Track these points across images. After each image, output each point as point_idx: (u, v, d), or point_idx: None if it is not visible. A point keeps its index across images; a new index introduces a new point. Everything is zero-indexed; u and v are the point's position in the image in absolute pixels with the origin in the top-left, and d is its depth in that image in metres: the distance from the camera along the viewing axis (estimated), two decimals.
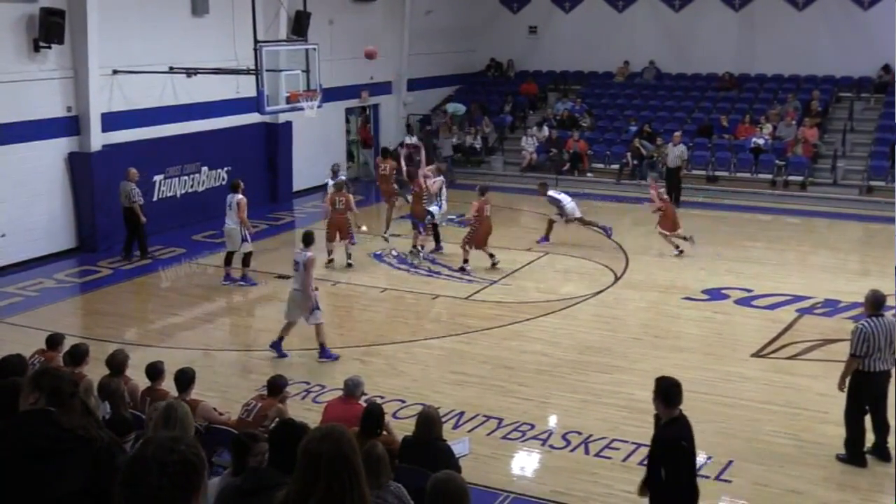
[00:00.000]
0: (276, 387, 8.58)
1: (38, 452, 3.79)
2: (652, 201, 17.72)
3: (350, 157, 26.10)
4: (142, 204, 16.84)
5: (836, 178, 22.63)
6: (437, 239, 17.46)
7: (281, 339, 12.11)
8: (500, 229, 19.84)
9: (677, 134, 22.35)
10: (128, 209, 16.72)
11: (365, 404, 8.09)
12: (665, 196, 18.00)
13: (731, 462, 9.16)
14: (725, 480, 8.88)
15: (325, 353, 12.03)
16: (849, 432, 9.15)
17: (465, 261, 16.13)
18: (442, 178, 17.77)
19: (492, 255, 16.20)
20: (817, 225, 20.45)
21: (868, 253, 17.92)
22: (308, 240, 12.36)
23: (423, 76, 27.47)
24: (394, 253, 17.19)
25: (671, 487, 6.69)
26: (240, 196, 15.23)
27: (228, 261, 15.49)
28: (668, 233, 17.29)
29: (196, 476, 2.84)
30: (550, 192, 18.31)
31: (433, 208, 17.22)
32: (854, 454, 9.11)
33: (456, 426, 9.88)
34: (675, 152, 21.83)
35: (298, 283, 11.93)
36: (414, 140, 25.61)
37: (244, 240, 15.22)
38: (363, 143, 26.01)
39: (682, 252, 17.06)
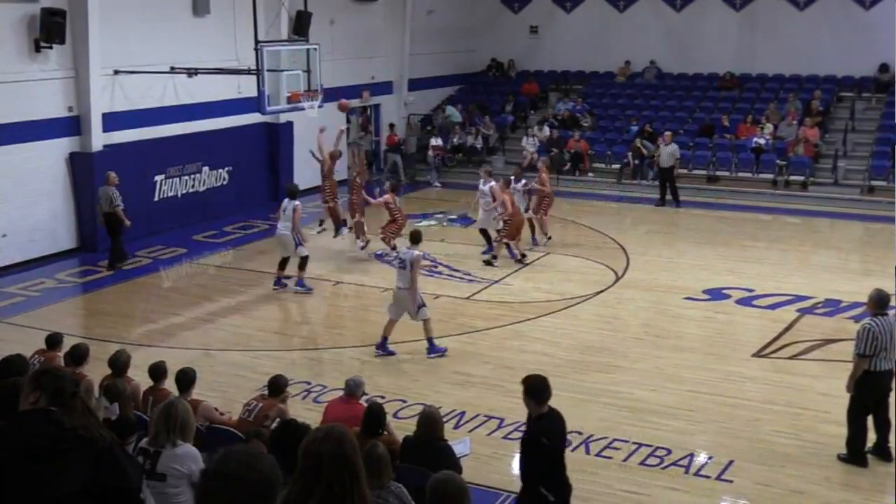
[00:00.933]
0: (277, 387, 8.58)
1: (39, 452, 3.78)
2: (541, 186, 17.63)
3: (380, 164, 26.03)
4: (124, 208, 16.24)
5: (837, 177, 22.62)
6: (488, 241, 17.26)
7: (385, 338, 12.19)
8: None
9: (668, 133, 22.37)
10: (109, 214, 16.19)
11: (366, 404, 8.08)
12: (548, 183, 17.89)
13: (731, 462, 9.16)
14: (727, 480, 8.87)
15: (433, 349, 12.12)
16: (850, 431, 9.13)
17: (495, 256, 16.47)
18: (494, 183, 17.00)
19: (523, 255, 16.58)
20: (818, 225, 20.44)
21: (869, 253, 17.90)
22: (416, 238, 12.47)
23: (425, 76, 27.48)
24: (394, 253, 17.16)
25: (534, 481, 6.78)
26: (297, 202, 14.95)
27: (283, 265, 15.20)
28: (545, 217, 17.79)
29: (273, 493, 2.85)
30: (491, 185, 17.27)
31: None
32: (855, 454, 9.09)
33: (457, 426, 9.88)
34: (668, 151, 21.84)
35: (404, 281, 11.95)
36: (440, 142, 25.54)
37: (298, 244, 14.96)
38: (391, 146, 25.82)
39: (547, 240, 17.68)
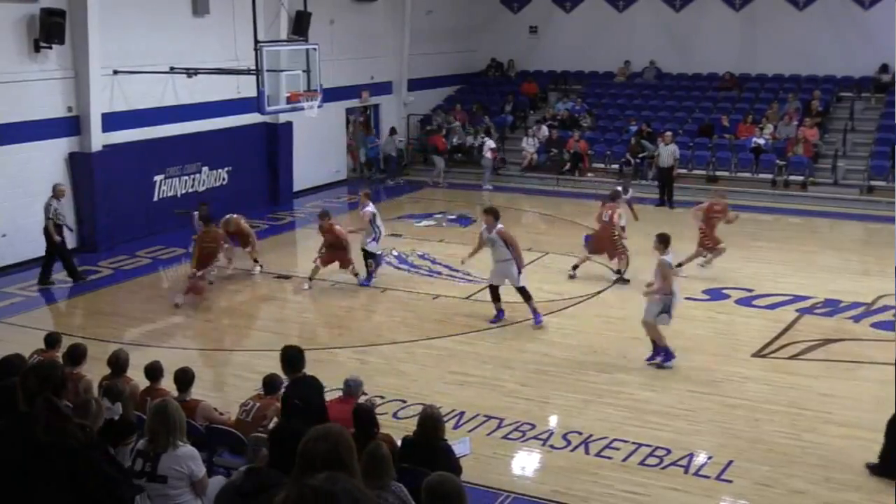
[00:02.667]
0: (273, 385, 8.57)
1: (17, 467, 3.65)
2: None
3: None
4: (59, 224, 15.33)
5: (836, 177, 22.63)
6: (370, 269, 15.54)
7: (664, 347, 11.81)
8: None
9: (668, 133, 22.35)
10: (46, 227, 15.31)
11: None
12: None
13: (731, 462, 9.14)
14: (726, 480, 8.86)
15: (659, 355, 11.81)
16: (886, 443, 8.89)
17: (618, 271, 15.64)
18: (371, 206, 15.48)
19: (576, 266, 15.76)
20: (818, 225, 20.42)
21: (869, 253, 17.90)
22: (665, 240, 12.21)
23: (424, 76, 27.48)
24: (394, 253, 17.17)
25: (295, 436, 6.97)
26: (499, 226, 13.28)
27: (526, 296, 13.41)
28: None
29: None
30: (370, 209, 15.36)
31: (370, 245, 15.34)
32: (887, 466, 8.80)
33: (456, 426, 9.86)
34: (668, 151, 21.84)
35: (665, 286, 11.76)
36: (494, 145, 25.06)
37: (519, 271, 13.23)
38: (434, 148, 25.61)
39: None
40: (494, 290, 13.47)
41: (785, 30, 25.98)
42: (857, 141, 23.76)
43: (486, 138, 25.12)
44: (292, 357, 7.82)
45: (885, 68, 24.89)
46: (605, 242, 15.63)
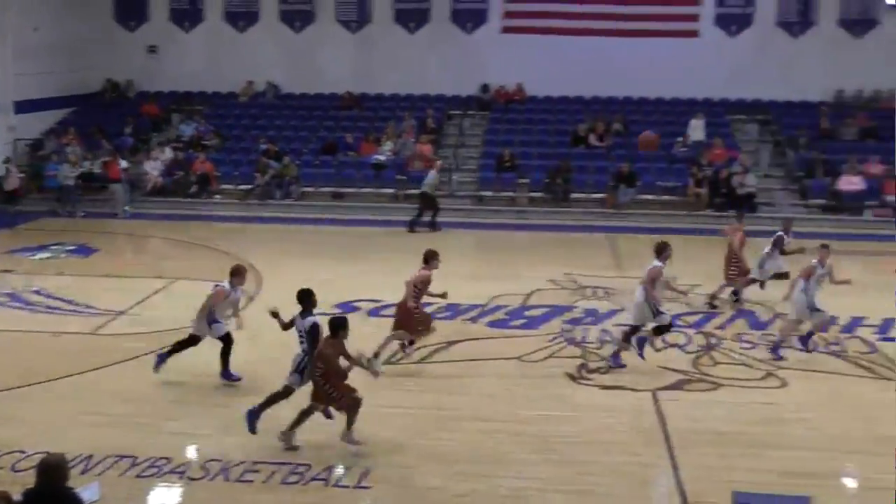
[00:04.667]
0: None
1: None
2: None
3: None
4: None
5: (451, 189, 24.34)
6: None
7: None
8: (128, 258, 19.03)
9: (439, 163, 22.73)
10: None
11: None
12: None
13: (369, 469, 9.45)
14: (365, 487, 9.15)
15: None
16: None
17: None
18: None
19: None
20: (435, 234, 21.57)
21: (481, 258, 19.39)
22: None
23: (33, 97, 25.55)
24: (4, 291, 15.76)
25: None
26: (656, 262, 12.36)
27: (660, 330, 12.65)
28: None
29: None
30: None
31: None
32: None
33: (85, 471, 9.25)
34: (437, 178, 22.17)
35: None
36: (126, 164, 23.58)
37: (657, 313, 12.33)
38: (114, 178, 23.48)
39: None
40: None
41: (398, 52, 27.54)
42: (468, 155, 25.82)
43: (120, 161, 23.94)
44: None
45: (485, 88, 27.32)
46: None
